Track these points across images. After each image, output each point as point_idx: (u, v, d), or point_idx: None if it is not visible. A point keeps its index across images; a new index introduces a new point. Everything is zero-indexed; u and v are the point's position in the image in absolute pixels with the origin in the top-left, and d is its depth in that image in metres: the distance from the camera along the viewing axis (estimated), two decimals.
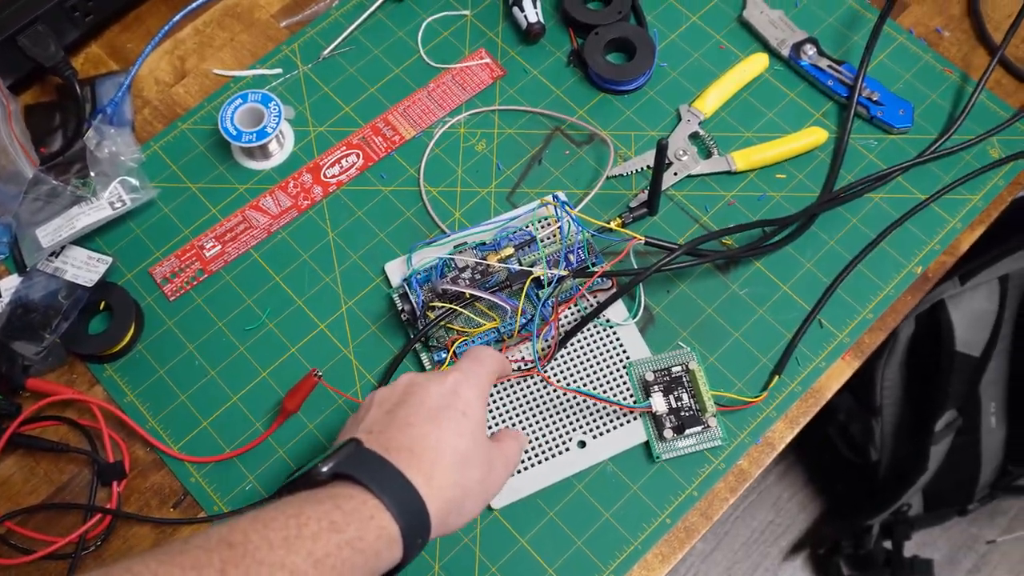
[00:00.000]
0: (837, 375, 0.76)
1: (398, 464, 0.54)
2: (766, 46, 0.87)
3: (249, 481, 0.73)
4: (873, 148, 0.83)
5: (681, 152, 0.82)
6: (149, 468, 0.74)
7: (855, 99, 0.82)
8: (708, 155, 0.82)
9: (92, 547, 0.71)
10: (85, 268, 0.78)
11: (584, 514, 0.71)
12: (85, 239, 0.80)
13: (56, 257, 0.79)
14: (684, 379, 0.74)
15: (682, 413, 0.72)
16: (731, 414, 0.74)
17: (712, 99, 0.83)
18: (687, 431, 0.72)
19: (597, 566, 0.70)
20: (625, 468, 0.72)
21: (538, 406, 0.73)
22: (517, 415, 0.73)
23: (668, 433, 0.72)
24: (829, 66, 0.84)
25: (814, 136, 0.82)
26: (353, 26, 0.88)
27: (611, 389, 0.74)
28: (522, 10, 0.86)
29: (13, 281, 0.79)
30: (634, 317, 0.76)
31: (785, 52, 0.85)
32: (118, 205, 0.80)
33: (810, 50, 0.85)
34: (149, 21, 0.91)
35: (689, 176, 0.82)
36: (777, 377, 0.74)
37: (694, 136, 0.83)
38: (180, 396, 0.76)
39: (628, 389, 0.74)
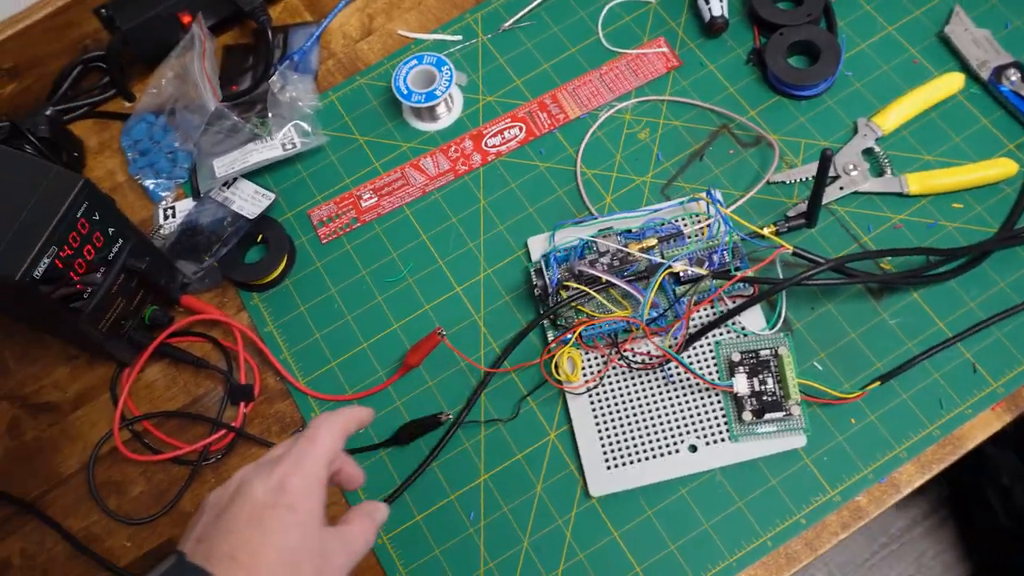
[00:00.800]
0: (983, 426, 0.70)
1: (218, 574, 0.52)
2: (965, 66, 0.81)
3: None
4: None
5: (851, 166, 0.78)
6: (276, 396, 0.78)
7: None
8: (880, 173, 0.78)
9: (213, 459, 0.76)
10: (250, 201, 0.82)
11: (683, 519, 0.69)
12: (254, 174, 0.84)
13: (227, 188, 0.84)
14: (772, 363, 0.71)
15: (764, 397, 0.70)
16: (852, 444, 0.70)
17: (894, 115, 0.79)
18: (767, 415, 0.69)
19: (687, 573, 0.68)
20: (734, 481, 0.70)
21: (654, 402, 0.72)
22: (632, 408, 0.72)
23: (747, 416, 0.70)
24: None
25: (1002, 168, 0.76)
26: (537, 1, 0.89)
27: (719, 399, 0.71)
28: (707, 2, 0.84)
29: (187, 204, 0.85)
30: (771, 328, 0.73)
31: (985, 75, 0.79)
32: (289, 147, 0.84)
33: (1014, 75, 0.79)
34: None
35: (856, 192, 0.77)
36: (878, 384, 0.70)
37: (868, 152, 0.79)
38: (315, 334, 0.79)
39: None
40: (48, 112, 0.89)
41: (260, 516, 0.55)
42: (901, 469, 0.69)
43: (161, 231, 0.84)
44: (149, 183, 0.87)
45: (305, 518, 0.56)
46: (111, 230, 0.72)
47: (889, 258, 0.74)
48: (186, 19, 0.87)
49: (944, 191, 0.77)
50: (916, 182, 0.76)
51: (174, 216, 0.85)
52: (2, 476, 0.78)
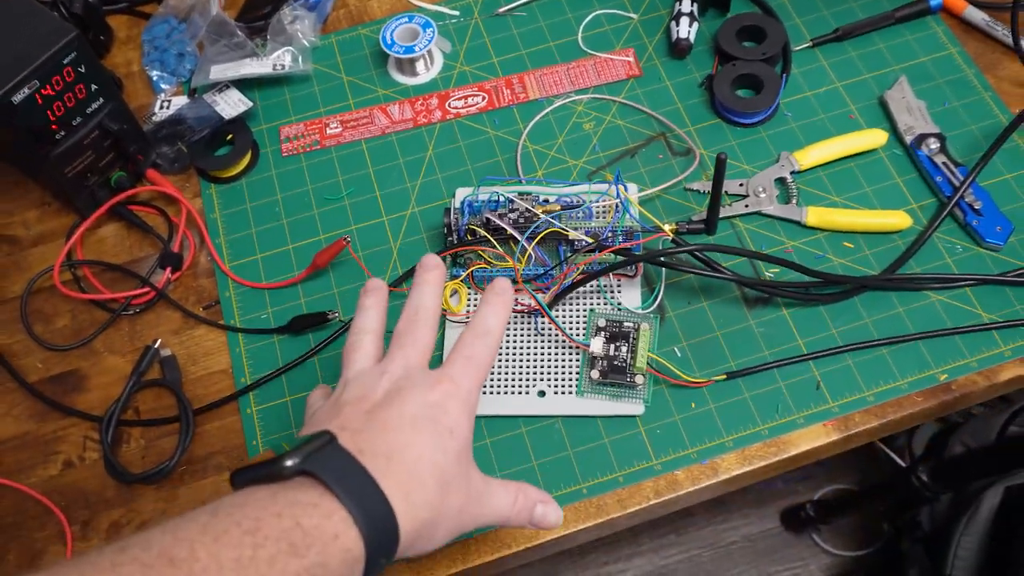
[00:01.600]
0: (811, 437, 0.74)
1: (374, 472, 0.48)
2: (893, 128, 0.87)
3: (266, 312, 0.83)
4: (955, 253, 0.81)
5: (761, 189, 0.84)
6: (202, 273, 0.86)
7: (955, 199, 0.81)
8: (787, 201, 0.84)
9: (132, 311, 0.84)
10: (231, 106, 0.92)
11: (516, 453, 0.75)
12: (245, 85, 0.94)
13: (218, 93, 0.93)
14: (631, 335, 0.77)
15: (615, 362, 0.76)
16: (687, 425, 0.75)
17: (815, 154, 0.85)
18: (611, 377, 0.75)
19: None
20: (570, 432, 0.75)
21: (519, 345, 0.78)
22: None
23: (595, 374, 0.75)
24: (944, 163, 0.83)
25: (897, 218, 0.81)
26: None
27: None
28: (677, 25, 0.92)
29: (181, 100, 0.95)
30: (646, 308, 0.79)
31: (908, 139, 0.85)
32: (278, 67, 0.94)
33: (933, 144, 0.84)
34: None
35: (759, 213, 0.83)
36: (725, 378, 0.76)
37: (781, 180, 0.85)
38: (251, 229, 0.87)
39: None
40: None
41: (420, 426, 0.52)
42: (724, 456, 0.74)
43: (154, 117, 0.94)
44: (155, 74, 0.97)
45: (461, 448, 0.53)
46: (94, 87, 0.81)
47: (772, 274, 0.80)
48: None
49: (838, 228, 0.82)
50: (814, 215, 0.82)
51: (168, 108, 0.95)
52: None
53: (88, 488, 0.77)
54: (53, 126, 0.80)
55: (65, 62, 0.78)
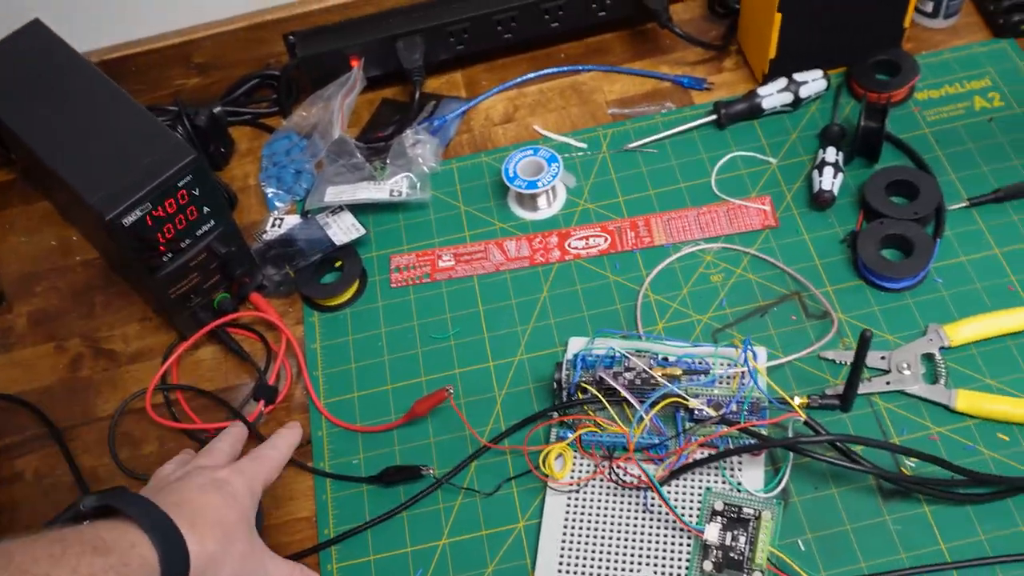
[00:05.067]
0: None
1: (163, 507, 0.56)
2: None
3: (357, 457, 0.78)
4: None
5: (905, 365, 0.75)
6: (295, 407, 0.82)
7: None
8: (934, 381, 0.75)
9: None
10: (343, 231, 0.89)
11: None
12: (359, 210, 0.91)
13: (332, 215, 0.91)
14: (751, 524, 0.69)
15: (731, 554, 0.67)
16: None
17: (968, 330, 0.76)
18: (726, 572, 0.67)
19: None
20: None
21: (625, 524, 0.71)
22: (603, 523, 0.71)
23: (707, 566, 0.67)
24: None
25: None
26: (667, 133, 0.93)
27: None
28: (820, 175, 0.85)
29: (294, 219, 0.93)
30: (769, 491, 0.71)
31: None
32: (395, 194, 0.90)
33: None
34: (510, 70, 1.02)
35: (902, 392, 0.75)
36: None
37: (928, 357, 0.76)
38: (351, 364, 0.83)
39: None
40: (216, 110, 1.00)
41: (208, 490, 0.62)
42: None
43: (264, 235, 0.92)
44: (270, 191, 0.95)
45: (243, 511, 0.63)
46: (207, 209, 0.79)
47: (913, 463, 0.71)
48: (354, 61, 0.97)
49: (993, 417, 0.73)
50: (965, 399, 0.73)
51: (279, 227, 0.93)
52: (50, 399, 0.86)
53: None
54: (162, 247, 0.78)
55: (180, 184, 0.76)
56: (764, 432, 0.70)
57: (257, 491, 0.66)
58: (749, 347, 0.74)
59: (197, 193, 0.78)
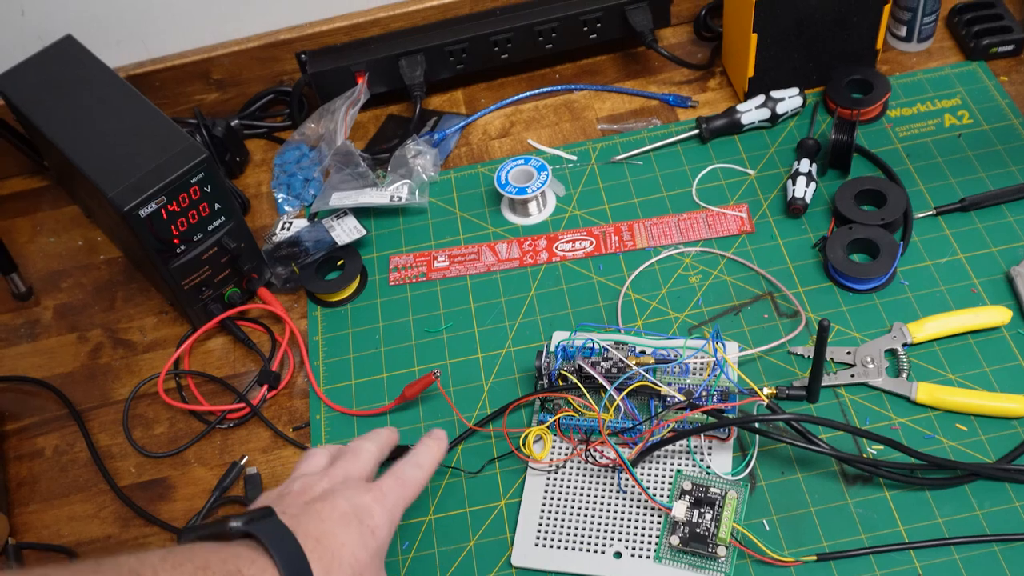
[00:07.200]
0: None
1: (304, 548, 0.56)
2: (1019, 306, 0.82)
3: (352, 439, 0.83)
4: None
5: (869, 359, 0.80)
6: (297, 394, 0.88)
7: None
8: (896, 375, 0.79)
9: (226, 425, 0.86)
10: (346, 232, 0.95)
11: None
12: (361, 213, 0.97)
13: (337, 218, 0.97)
14: (717, 502, 0.73)
15: (697, 529, 0.72)
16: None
17: (931, 327, 0.81)
18: (692, 546, 0.71)
19: None
20: None
21: (599, 501, 0.76)
22: (579, 500, 0.76)
23: (674, 540, 0.72)
24: None
25: (1018, 403, 0.76)
26: (653, 146, 0.99)
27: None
28: (794, 184, 0.91)
29: (302, 223, 0.99)
30: (736, 474, 0.76)
31: None
32: (395, 199, 0.96)
33: None
34: (507, 89, 1.09)
35: (866, 385, 0.79)
36: (815, 559, 0.71)
37: (892, 352, 0.81)
38: (350, 354, 0.89)
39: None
40: (233, 123, 1.07)
41: (348, 523, 0.61)
42: None
43: (274, 237, 0.98)
44: (281, 197, 1.02)
45: (378, 548, 0.62)
46: (218, 206, 0.86)
47: (876, 451, 0.76)
48: (360, 77, 1.03)
49: (952, 409, 0.77)
50: (926, 391, 0.77)
51: (288, 230, 0.99)
52: (71, 383, 0.92)
53: None
54: (175, 239, 0.84)
55: (193, 181, 0.82)
56: (730, 417, 0.75)
57: (397, 519, 0.65)
58: (717, 337, 0.79)
59: (208, 190, 0.84)
